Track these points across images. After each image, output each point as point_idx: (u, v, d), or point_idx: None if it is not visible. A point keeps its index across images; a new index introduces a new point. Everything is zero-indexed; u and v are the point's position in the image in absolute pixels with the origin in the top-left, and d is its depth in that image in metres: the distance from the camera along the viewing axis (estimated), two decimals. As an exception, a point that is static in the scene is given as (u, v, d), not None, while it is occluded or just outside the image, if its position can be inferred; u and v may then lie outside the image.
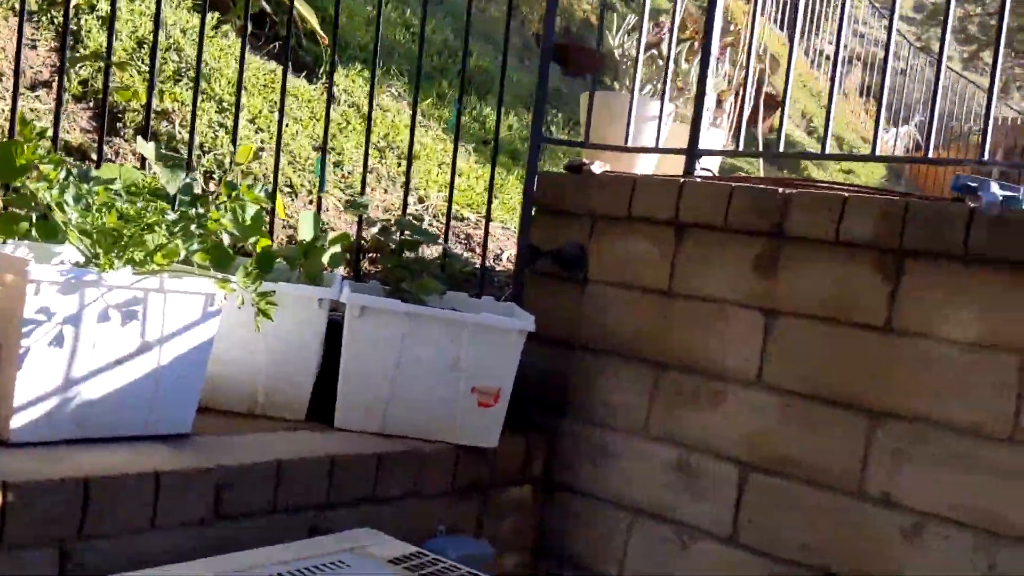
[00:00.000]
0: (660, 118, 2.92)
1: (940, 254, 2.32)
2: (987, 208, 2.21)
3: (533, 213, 3.13)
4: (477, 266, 3.62)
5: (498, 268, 3.75)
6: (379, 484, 2.44)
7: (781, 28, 13.81)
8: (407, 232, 2.69)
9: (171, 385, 2.22)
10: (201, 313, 2.24)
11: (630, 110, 2.95)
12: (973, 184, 2.37)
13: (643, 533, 2.76)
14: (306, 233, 2.57)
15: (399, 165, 4.33)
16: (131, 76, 3.64)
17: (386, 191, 4.17)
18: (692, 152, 2.83)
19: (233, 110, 3.86)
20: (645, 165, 3.33)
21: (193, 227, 2.22)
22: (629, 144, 2.99)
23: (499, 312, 2.77)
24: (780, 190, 2.58)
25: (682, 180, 2.75)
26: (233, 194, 2.32)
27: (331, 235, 2.60)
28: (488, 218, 3.08)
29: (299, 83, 4.42)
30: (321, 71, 4.62)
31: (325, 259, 2.57)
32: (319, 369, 2.68)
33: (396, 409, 2.61)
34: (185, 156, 2.80)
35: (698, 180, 2.79)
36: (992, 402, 2.24)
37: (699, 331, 2.70)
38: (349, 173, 4.07)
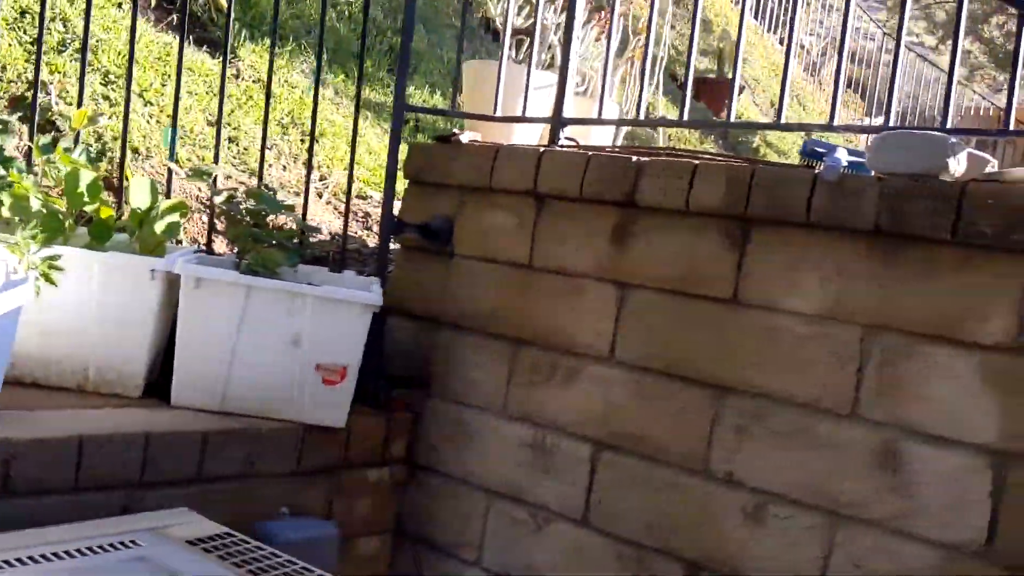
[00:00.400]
0: (527, 87, 2.81)
1: (783, 221, 2.22)
2: (828, 173, 2.11)
3: (407, 186, 3.03)
4: (363, 244, 3.52)
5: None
6: (206, 463, 2.34)
7: (756, 17, 13.69)
8: (254, 202, 2.59)
9: (-31, 358, 2.11)
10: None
11: (499, 78, 2.84)
12: (821, 149, 2.28)
13: (500, 515, 2.66)
14: (140, 201, 2.47)
15: (303, 142, 4.22)
16: (9, 45, 3.53)
17: (285, 168, 4.06)
18: (556, 121, 2.73)
19: (121, 82, 3.77)
20: (527, 137, 3.22)
21: (-2, 192, 2.12)
22: (500, 114, 2.88)
23: (357, 287, 2.67)
24: (633, 159, 2.48)
25: (541, 149, 2.64)
26: (47, 158, 2.21)
27: (166, 202, 2.49)
28: (350, 183, 2.97)
29: (201, 57, 4.31)
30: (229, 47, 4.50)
31: (159, 228, 2.46)
32: (165, 345, 2.58)
33: (236, 386, 2.51)
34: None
35: (558, 149, 2.69)
36: (832, 376, 2.14)
37: (557, 306, 2.60)
38: (245, 150, 3.96)
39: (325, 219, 3.81)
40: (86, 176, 2.46)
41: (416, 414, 2.85)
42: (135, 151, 3.53)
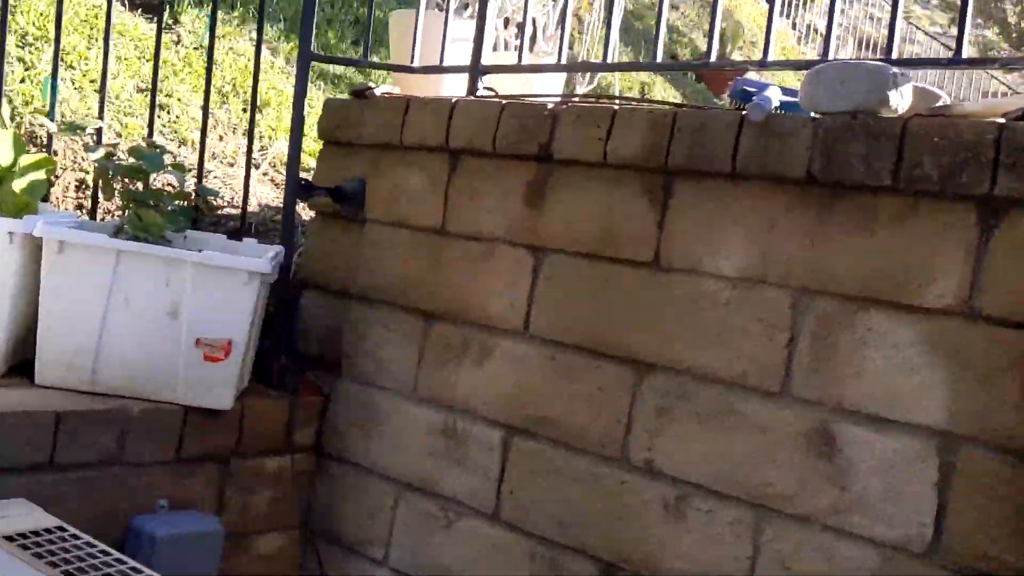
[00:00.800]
0: (444, 36, 2.52)
1: (707, 172, 1.93)
2: (754, 112, 1.81)
3: (322, 146, 2.76)
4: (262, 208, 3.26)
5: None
6: (59, 449, 2.08)
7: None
8: (135, 160, 2.32)
9: None
10: None
11: (416, 26, 2.56)
12: (751, 89, 1.98)
13: (409, 509, 2.38)
14: (1, 157, 2.21)
15: (245, 111, 3.95)
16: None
17: (222, 138, 3.80)
18: (475, 69, 2.44)
19: (40, 45, 3.52)
20: (458, 91, 2.92)
21: None
22: (419, 64, 2.60)
23: (274, 255, 2.40)
24: (550, 106, 2.19)
25: (454, 100, 2.36)
26: None
27: (28, 158, 2.23)
28: (250, 150, 2.71)
29: (136, 21, 4.05)
30: (168, 13, 4.24)
31: (18, 187, 2.20)
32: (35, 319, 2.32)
33: (107, 363, 2.24)
34: None
35: (472, 99, 2.40)
36: (760, 348, 1.85)
37: (470, 275, 2.32)
38: (176, 118, 3.70)
39: (261, 191, 3.55)
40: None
41: (327, 397, 2.58)
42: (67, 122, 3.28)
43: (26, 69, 3.40)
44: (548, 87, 3.12)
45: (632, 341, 2.03)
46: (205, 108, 2.71)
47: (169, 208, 2.36)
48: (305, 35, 2.53)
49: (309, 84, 4.20)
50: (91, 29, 3.75)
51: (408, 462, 2.39)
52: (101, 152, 2.34)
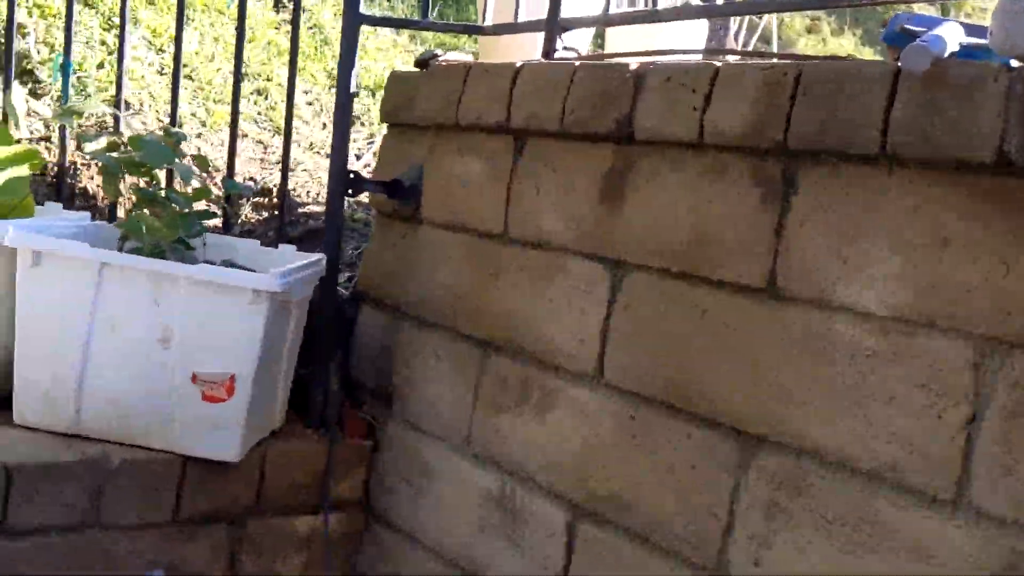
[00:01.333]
0: None
1: (845, 154, 1.28)
2: (914, 58, 1.15)
3: (386, 129, 2.26)
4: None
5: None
6: (11, 509, 1.68)
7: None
8: (135, 151, 1.90)
9: None
10: None
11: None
12: (916, 28, 1.31)
13: (457, 597, 1.85)
14: (-28, 151, 1.84)
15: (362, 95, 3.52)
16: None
17: (325, 126, 3.39)
18: (551, 24, 1.86)
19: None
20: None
21: None
22: (495, 23, 2.04)
23: (298, 268, 1.93)
24: (633, 65, 1.59)
25: (518, 64, 1.79)
26: None
27: (5, 151, 1.85)
28: (288, 132, 2.24)
29: None
30: (286, -9, 3.86)
31: (-7, 184, 1.83)
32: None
33: (92, 400, 1.83)
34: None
35: (540, 62, 1.82)
36: (921, 427, 1.18)
37: (532, 294, 1.75)
38: (272, 107, 3.32)
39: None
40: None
41: (376, 441, 2.09)
42: (125, 104, 2.96)
43: (109, 53, 3.10)
44: (683, 42, 2.46)
45: (735, 400, 1.40)
46: (290, 96, 2.24)
47: (182, 209, 1.92)
48: (352, -10, 2.03)
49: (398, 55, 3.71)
50: (190, 10, 3.42)
51: (457, 535, 1.85)
52: (101, 143, 1.93)
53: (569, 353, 1.66)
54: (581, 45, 2.26)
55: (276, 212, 2.85)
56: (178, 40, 2.28)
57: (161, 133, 2.07)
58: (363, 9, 2.04)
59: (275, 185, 2.95)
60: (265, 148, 3.15)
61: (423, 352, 1.97)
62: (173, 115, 2.25)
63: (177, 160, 1.92)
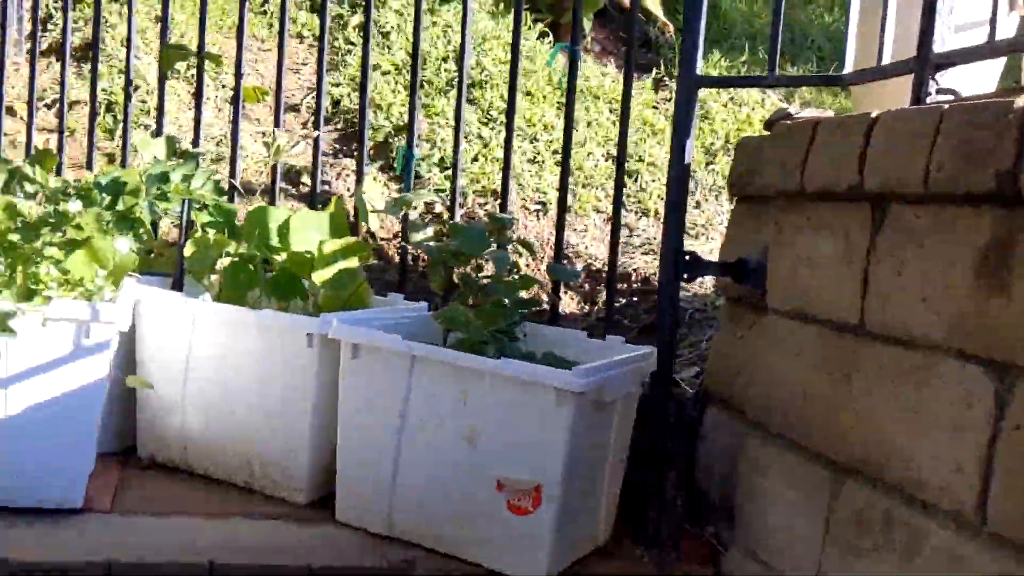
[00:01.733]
0: (885, 8, 1.56)
1: None
2: None
3: (734, 204, 1.99)
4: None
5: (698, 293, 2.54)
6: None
7: None
8: (452, 240, 1.81)
9: (33, 444, 1.69)
10: (72, 346, 1.68)
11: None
12: None
13: None
14: (301, 242, 1.86)
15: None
16: (384, 87, 3.26)
17: (699, 205, 3.16)
18: (922, 64, 1.45)
19: (500, 120, 3.24)
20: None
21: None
22: (853, 67, 1.67)
23: (613, 363, 1.72)
24: (1021, 101, 1.18)
25: (874, 115, 1.43)
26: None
27: (332, 243, 1.84)
28: (617, 214, 2.02)
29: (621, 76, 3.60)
30: (664, 70, 3.69)
31: (319, 279, 1.83)
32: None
33: (402, 501, 1.74)
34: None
35: (902, 110, 1.43)
36: None
37: (894, 405, 1.36)
38: (643, 188, 3.16)
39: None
40: (279, 215, 1.95)
41: (717, 571, 1.77)
42: (494, 193, 2.97)
43: (484, 147, 3.15)
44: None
45: None
46: (564, 165, 2.09)
47: (500, 299, 1.80)
48: (688, 51, 1.80)
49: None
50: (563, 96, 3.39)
51: None
52: (428, 232, 1.88)
53: (939, 485, 1.25)
54: (978, 86, 1.82)
55: (634, 298, 2.66)
56: (567, 136, 2.14)
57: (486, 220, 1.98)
58: (699, 70, 1.79)
59: (635, 269, 2.77)
60: (631, 231, 2.98)
61: (765, 469, 1.64)
62: (503, 199, 2.15)
63: (495, 247, 1.79)
